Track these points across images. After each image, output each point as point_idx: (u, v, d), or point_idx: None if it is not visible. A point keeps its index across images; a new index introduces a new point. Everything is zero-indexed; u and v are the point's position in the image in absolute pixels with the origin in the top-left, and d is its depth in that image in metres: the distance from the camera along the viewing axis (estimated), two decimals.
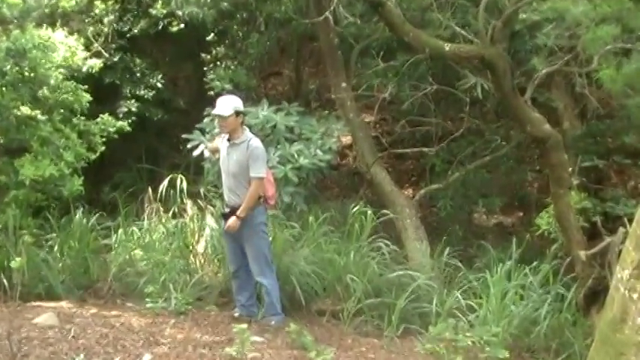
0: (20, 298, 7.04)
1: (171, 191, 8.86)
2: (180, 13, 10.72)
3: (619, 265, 4.14)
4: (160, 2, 10.86)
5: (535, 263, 7.50)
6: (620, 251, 5.81)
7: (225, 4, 10.68)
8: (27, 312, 6.60)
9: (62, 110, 8.91)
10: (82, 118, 9.06)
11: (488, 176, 10.97)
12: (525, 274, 7.30)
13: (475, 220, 11.52)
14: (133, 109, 10.64)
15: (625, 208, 8.54)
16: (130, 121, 10.04)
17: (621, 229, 6.55)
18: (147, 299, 7.12)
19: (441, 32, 8.74)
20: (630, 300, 3.95)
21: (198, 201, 8.95)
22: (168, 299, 7.14)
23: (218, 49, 11.62)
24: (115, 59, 10.95)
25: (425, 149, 10.58)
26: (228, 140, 6.88)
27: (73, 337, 5.91)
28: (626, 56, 6.97)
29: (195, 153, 9.16)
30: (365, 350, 6.54)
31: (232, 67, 11.09)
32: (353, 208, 8.35)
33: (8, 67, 8.31)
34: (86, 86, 9.15)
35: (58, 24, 9.86)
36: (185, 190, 8.87)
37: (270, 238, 7.30)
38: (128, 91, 10.88)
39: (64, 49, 9.13)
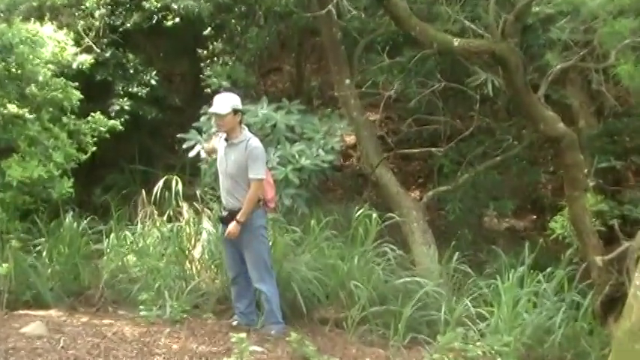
0: (7, 307, 7.08)
1: (166, 193, 8.86)
2: (175, 6, 10.74)
3: (637, 271, 4.13)
4: None
5: (549, 269, 7.48)
6: (638, 257, 5.82)
7: None
8: (14, 321, 6.58)
9: (51, 108, 8.91)
10: (72, 116, 9.06)
11: (499, 177, 10.96)
12: (539, 280, 7.28)
13: (486, 224, 11.52)
14: (126, 107, 10.67)
15: None
16: (122, 119, 10.06)
17: None
18: (140, 307, 7.10)
19: (450, 26, 8.72)
20: None
21: (195, 204, 8.94)
22: (163, 307, 7.12)
23: (215, 44, 11.64)
24: (107, 55, 10.97)
25: (433, 149, 10.58)
26: (226, 140, 6.88)
27: (63, 347, 5.90)
28: None
29: (192, 153, 9.17)
30: None
31: (230, 63, 11.10)
32: (357, 211, 8.33)
33: None
34: (76, 83, 9.16)
35: (46, 18, 9.90)
36: (181, 193, 8.87)
37: (270, 243, 7.30)
38: (121, 89, 10.90)
39: (53, 44, 9.14)
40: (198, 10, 10.53)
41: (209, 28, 11.63)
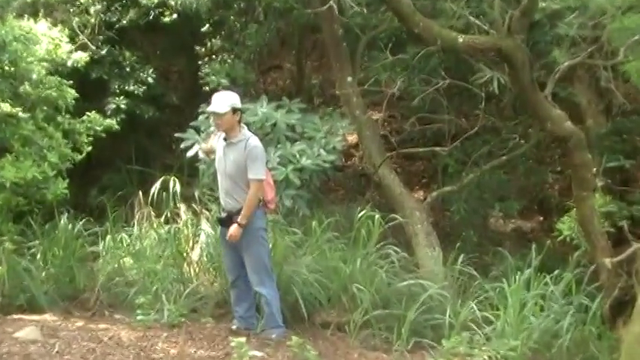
0: (0, 311, 7.06)
1: (164, 194, 8.85)
2: (172, 2, 10.76)
3: None
4: None
5: (556, 272, 7.47)
6: None
7: None
8: (7, 325, 6.59)
9: (45, 107, 8.90)
10: (67, 115, 9.06)
11: (505, 177, 10.95)
12: (546, 283, 7.27)
13: (491, 225, 11.51)
14: (122, 106, 10.67)
15: None
16: (118, 119, 10.07)
17: None
18: (137, 311, 7.11)
19: (454, 22, 8.72)
20: None
21: (193, 205, 8.94)
22: (161, 311, 7.13)
23: (213, 41, 11.65)
24: (103, 52, 10.97)
25: (437, 149, 10.56)
26: (225, 139, 6.87)
27: (58, 352, 5.91)
28: None
29: (189, 153, 9.17)
30: None
31: (229, 60, 11.10)
32: (359, 212, 8.32)
33: None
34: (71, 81, 9.15)
35: (40, 14, 9.89)
36: (178, 194, 8.86)
37: (271, 245, 7.29)
38: (117, 87, 10.91)
39: (47, 41, 9.14)
40: (196, 6, 10.53)
41: (207, 25, 11.64)
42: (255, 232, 6.80)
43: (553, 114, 7.75)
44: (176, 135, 9.66)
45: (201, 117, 9.47)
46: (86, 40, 10.58)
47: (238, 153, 6.74)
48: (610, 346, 6.96)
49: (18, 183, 8.00)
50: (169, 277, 7.78)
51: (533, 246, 7.72)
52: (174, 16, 11.03)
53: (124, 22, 11.08)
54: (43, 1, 10.38)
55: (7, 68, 8.50)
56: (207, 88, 10.34)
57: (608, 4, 6.87)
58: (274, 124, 9.26)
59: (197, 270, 8.12)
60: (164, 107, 11.77)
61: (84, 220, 8.60)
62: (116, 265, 8.09)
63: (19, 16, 9.28)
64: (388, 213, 8.72)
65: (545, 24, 9.25)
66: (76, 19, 10.76)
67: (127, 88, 10.92)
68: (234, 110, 6.76)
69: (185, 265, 8.12)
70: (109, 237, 8.43)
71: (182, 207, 8.99)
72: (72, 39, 10.12)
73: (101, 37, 11.06)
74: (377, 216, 8.16)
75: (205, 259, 8.16)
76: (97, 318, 7.44)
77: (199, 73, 10.89)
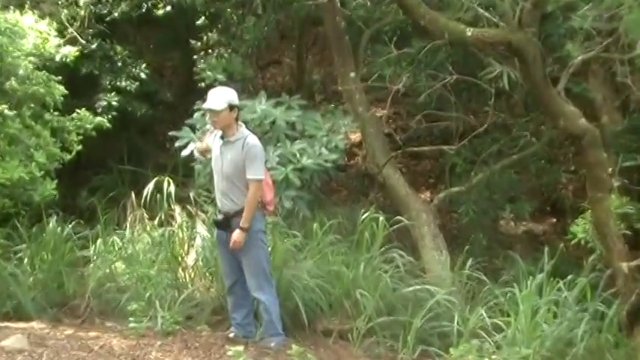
0: None
1: (158, 196, 8.87)
2: None
3: None
4: None
5: (570, 276, 7.45)
6: None
7: None
8: None
9: (33, 104, 8.91)
10: (56, 113, 9.07)
11: (516, 177, 10.94)
12: (559, 288, 7.26)
13: (501, 228, 11.50)
14: (114, 102, 10.68)
15: None
16: (110, 116, 10.08)
17: None
18: (130, 318, 7.11)
19: (462, 15, 8.69)
20: None
21: (188, 207, 8.96)
22: (154, 318, 7.13)
23: (209, 34, 11.64)
24: (93, 46, 10.99)
25: (444, 147, 10.54)
26: (222, 138, 6.87)
27: None
28: None
29: (184, 152, 9.17)
30: None
31: (226, 55, 11.10)
32: (363, 214, 8.33)
33: None
34: (60, 77, 9.16)
35: (27, 6, 9.87)
36: (173, 195, 8.88)
37: (270, 249, 7.29)
38: (108, 83, 10.92)
39: (35, 35, 9.15)
40: None
41: (203, 18, 11.64)
42: (254, 234, 6.80)
43: (566, 110, 7.73)
44: (170, 133, 9.66)
45: (196, 114, 9.46)
46: (75, 33, 10.59)
47: (236, 152, 6.74)
48: (627, 355, 6.95)
49: (4, 184, 8.01)
50: (163, 282, 7.79)
51: (546, 249, 7.69)
52: (168, 8, 11.05)
53: (116, 14, 11.08)
54: None
55: None
56: (202, 84, 10.35)
57: None
58: (273, 122, 9.27)
59: (192, 275, 8.13)
60: (158, 104, 11.78)
61: (73, 222, 8.62)
62: (107, 270, 8.09)
63: (5, 8, 9.29)
64: (393, 215, 8.73)
65: (558, 16, 9.23)
66: (65, 11, 10.76)
67: (118, 84, 10.92)
68: (232, 107, 6.76)
69: (180, 269, 8.13)
70: (99, 240, 8.44)
71: (177, 209, 9.01)
72: (60, 32, 10.13)
73: (91, 30, 11.06)
74: (381, 218, 8.17)
75: (201, 263, 8.17)
76: (87, 326, 7.45)
77: (195, 68, 10.90)
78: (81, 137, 9.16)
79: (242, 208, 6.73)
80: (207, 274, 8.07)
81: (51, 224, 8.35)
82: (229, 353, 5.92)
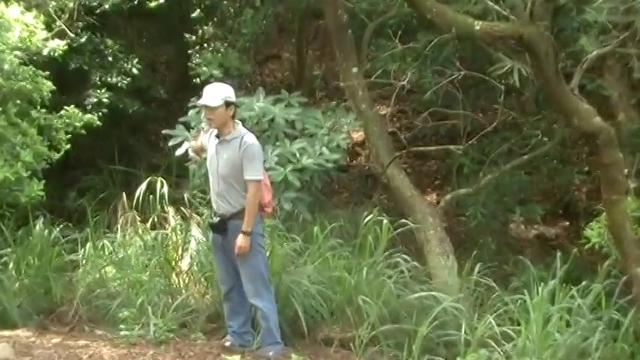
0: None
1: (150, 197, 8.86)
2: None
3: None
4: None
5: (584, 283, 7.46)
6: None
7: None
8: None
9: (19, 101, 8.90)
10: (43, 110, 9.06)
11: (526, 179, 10.94)
12: (572, 295, 7.25)
13: (511, 232, 11.50)
14: (104, 99, 10.67)
15: None
16: (100, 113, 10.07)
17: None
18: (121, 326, 7.12)
19: (471, 7, 8.70)
20: None
21: (182, 209, 8.95)
22: (147, 326, 7.13)
23: (205, 28, 11.64)
24: (82, 40, 10.97)
25: (451, 147, 10.53)
26: (217, 137, 6.87)
27: None
28: None
29: (178, 152, 9.17)
30: None
31: (222, 49, 11.10)
32: (366, 216, 8.33)
33: None
34: (47, 72, 9.15)
35: None
36: (166, 196, 8.87)
37: (268, 253, 7.29)
38: (98, 79, 10.91)
39: (21, 27, 9.13)
40: None
41: (198, 10, 11.64)
42: (252, 238, 6.79)
43: (580, 108, 7.72)
44: (164, 132, 9.65)
45: (191, 112, 9.46)
46: (64, 26, 10.57)
47: (233, 151, 6.74)
48: None
49: None
50: (156, 288, 7.79)
51: (558, 254, 7.69)
52: (162, 0, 11.02)
53: (106, 6, 11.07)
54: None
55: None
56: (197, 80, 10.35)
57: None
58: (272, 120, 9.27)
59: (187, 280, 8.13)
60: (150, 101, 11.78)
61: (61, 225, 8.63)
62: (97, 276, 8.10)
63: None
64: (397, 218, 8.73)
65: (571, 8, 9.22)
66: (53, 2, 10.73)
67: (109, 79, 10.92)
68: (228, 104, 6.76)
69: (173, 275, 8.13)
70: (89, 244, 8.44)
71: (170, 211, 9.01)
72: (48, 25, 10.11)
73: (80, 23, 11.05)
74: (385, 221, 8.16)
75: (196, 268, 8.18)
76: (76, 334, 7.44)
77: (189, 63, 10.90)
78: (69, 135, 9.15)
79: (239, 210, 6.74)
80: (202, 279, 8.08)
81: (38, 227, 8.34)
82: None
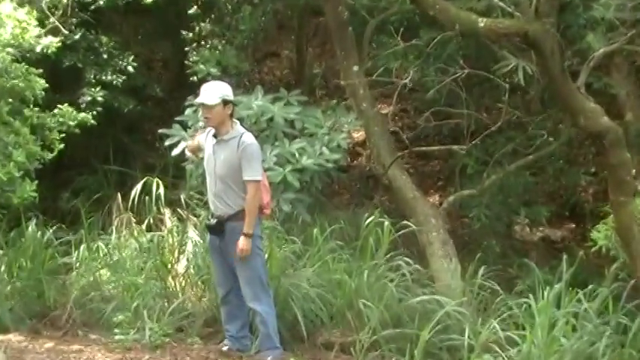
0: None
1: (146, 198, 8.85)
2: None
3: None
4: None
5: (590, 286, 7.45)
6: None
7: None
8: None
9: (11, 100, 8.87)
10: (36, 109, 9.03)
11: (532, 180, 10.95)
12: (579, 299, 7.24)
13: (516, 234, 11.51)
14: (99, 98, 10.65)
15: None
16: (94, 112, 10.04)
17: None
18: (115, 330, 7.12)
19: (474, 4, 8.71)
20: None
21: (179, 210, 8.95)
22: (142, 330, 7.13)
23: (202, 24, 11.62)
24: (76, 37, 10.95)
25: (454, 147, 10.53)
26: (215, 136, 6.86)
27: None
28: None
29: (175, 152, 9.17)
30: None
31: (220, 46, 11.08)
32: (367, 218, 8.33)
33: None
34: (40, 70, 9.12)
35: None
36: (162, 197, 8.86)
37: (266, 256, 7.28)
38: (92, 77, 10.89)
39: (13, 24, 9.10)
40: None
41: (195, 7, 11.63)
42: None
43: (587, 107, 7.72)
44: (160, 131, 9.66)
45: (188, 110, 9.46)
46: (57, 22, 10.54)
47: (230, 151, 6.73)
48: None
49: None
50: (152, 291, 7.79)
51: (564, 257, 7.69)
52: None
53: (101, 2, 11.03)
54: None
55: None
56: (194, 78, 10.34)
57: None
58: (271, 119, 9.27)
59: (183, 284, 8.12)
60: (146, 99, 11.77)
61: (55, 227, 8.62)
62: (91, 279, 8.09)
63: None
64: (399, 219, 8.73)
65: (578, 5, 9.23)
66: None
67: (103, 77, 10.89)
68: (226, 103, 6.75)
69: (170, 278, 8.12)
70: (83, 246, 8.43)
71: (166, 212, 9.01)
72: (41, 21, 10.07)
73: (74, 19, 11.03)
74: (386, 223, 8.16)
75: (192, 271, 8.17)
76: (70, 338, 7.44)
77: (186, 61, 10.89)
78: (63, 135, 9.11)
79: (237, 211, 6.73)
80: (199, 282, 8.07)
81: (30, 229, 8.33)
82: None
